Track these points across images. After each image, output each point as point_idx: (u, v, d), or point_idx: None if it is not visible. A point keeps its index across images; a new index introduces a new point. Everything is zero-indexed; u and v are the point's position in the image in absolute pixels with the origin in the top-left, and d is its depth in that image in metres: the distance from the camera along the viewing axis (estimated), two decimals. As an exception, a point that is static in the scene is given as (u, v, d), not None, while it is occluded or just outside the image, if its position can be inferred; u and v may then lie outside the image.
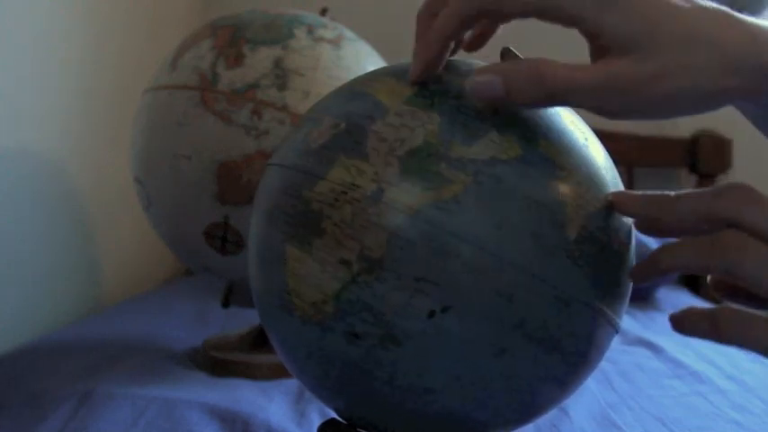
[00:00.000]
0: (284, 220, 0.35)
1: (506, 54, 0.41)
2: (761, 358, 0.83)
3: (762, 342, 0.30)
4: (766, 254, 0.30)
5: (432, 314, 0.32)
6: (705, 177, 1.43)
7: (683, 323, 0.32)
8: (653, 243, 1.21)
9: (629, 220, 0.37)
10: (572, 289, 0.33)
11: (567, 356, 0.34)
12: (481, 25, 0.40)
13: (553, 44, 1.44)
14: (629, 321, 1.03)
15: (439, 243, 0.32)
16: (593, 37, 0.33)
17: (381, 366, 0.34)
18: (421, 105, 0.34)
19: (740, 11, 0.38)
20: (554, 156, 0.34)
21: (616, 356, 0.83)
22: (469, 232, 0.32)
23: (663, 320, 1.05)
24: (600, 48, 0.33)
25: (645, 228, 0.36)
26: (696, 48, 0.32)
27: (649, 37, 0.31)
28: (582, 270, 0.33)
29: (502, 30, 0.41)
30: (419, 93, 0.35)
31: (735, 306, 0.32)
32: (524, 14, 0.33)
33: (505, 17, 0.34)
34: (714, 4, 0.33)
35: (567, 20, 0.32)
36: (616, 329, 0.37)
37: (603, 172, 0.36)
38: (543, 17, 0.33)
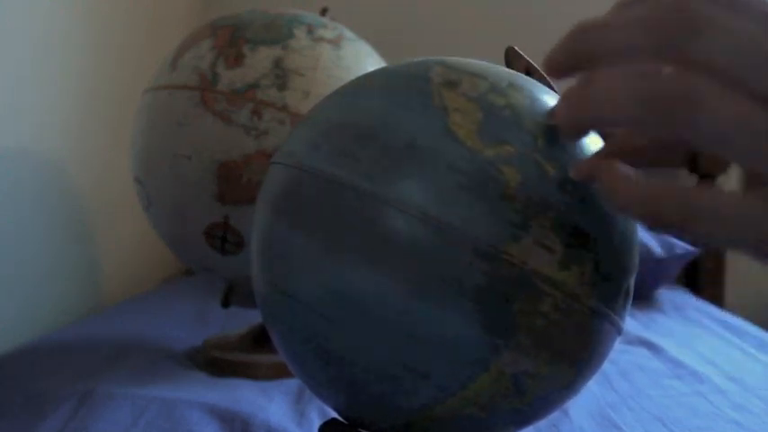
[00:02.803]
0: None
1: (510, 53, 0.41)
2: (761, 358, 0.83)
3: (730, 228, 0.23)
4: (729, 101, 0.21)
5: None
6: (705, 177, 1.43)
7: (620, 195, 0.25)
8: (656, 245, 1.21)
9: (633, 223, 0.37)
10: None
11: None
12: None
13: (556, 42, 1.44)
14: (629, 321, 1.03)
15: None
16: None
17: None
18: None
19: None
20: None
21: (616, 356, 0.83)
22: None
23: (663, 320, 1.05)
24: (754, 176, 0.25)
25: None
26: None
27: None
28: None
29: (504, 29, 0.40)
30: None
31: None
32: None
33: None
34: None
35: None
36: (619, 331, 0.37)
37: None
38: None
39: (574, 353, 0.35)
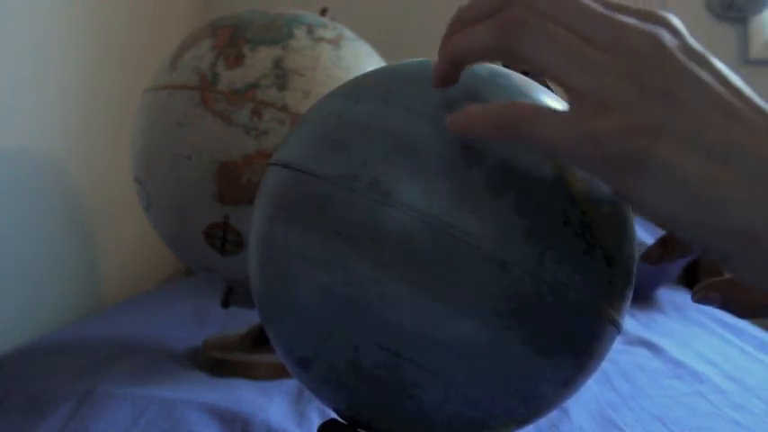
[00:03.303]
0: None
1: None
2: (761, 358, 0.83)
3: (550, 138, 0.27)
4: (553, 30, 0.27)
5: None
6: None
7: (461, 123, 0.30)
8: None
9: (630, 221, 0.37)
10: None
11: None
12: None
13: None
14: (629, 321, 1.03)
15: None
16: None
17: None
18: None
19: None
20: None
21: (616, 356, 0.83)
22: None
23: (663, 320, 1.05)
24: None
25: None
26: None
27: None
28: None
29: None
30: None
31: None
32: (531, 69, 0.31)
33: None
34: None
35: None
36: (618, 329, 0.37)
37: None
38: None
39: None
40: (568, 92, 0.28)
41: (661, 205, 0.26)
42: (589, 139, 0.26)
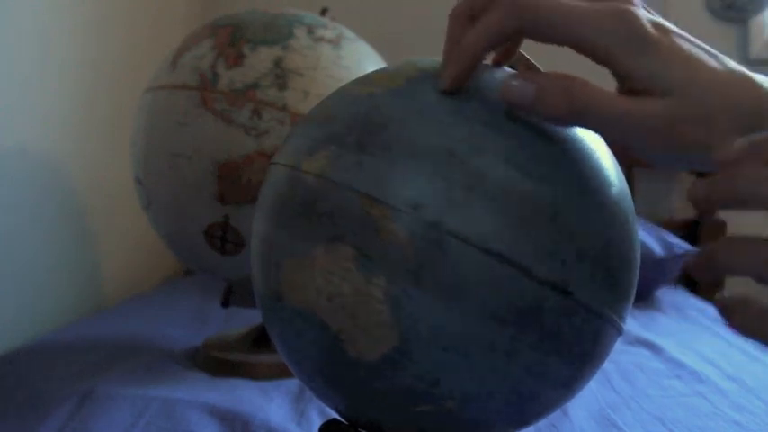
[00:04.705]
0: None
1: (519, 59, 0.41)
2: (761, 358, 0.83)
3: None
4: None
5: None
6: (704, 177, 1.43)
7: (737, 318, 0.30)
8: (655, 245, 1.21)
9: (633, 225, 0.37)
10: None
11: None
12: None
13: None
14: (629, 321, 1.03)
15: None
16: (621, 78, 0.33)
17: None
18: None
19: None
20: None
21: (616, 356, 0.83)
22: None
23: (663, 320, 1.05)
24: (629, 90, 0.33)
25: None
26: (724, 108, 0.32)
27: (687, 85, 0.32)
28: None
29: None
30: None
31: None
32: (557, 42, 0.32)
33: (540, 40, 0.33)
34: (737, 67, 0.33)
35: (600, 58, 0.32)
36: (620, 332, 0.37)
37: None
38: (576, 48, 0.32)
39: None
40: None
41: None
42: None
